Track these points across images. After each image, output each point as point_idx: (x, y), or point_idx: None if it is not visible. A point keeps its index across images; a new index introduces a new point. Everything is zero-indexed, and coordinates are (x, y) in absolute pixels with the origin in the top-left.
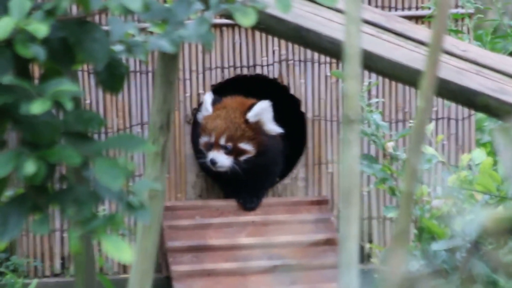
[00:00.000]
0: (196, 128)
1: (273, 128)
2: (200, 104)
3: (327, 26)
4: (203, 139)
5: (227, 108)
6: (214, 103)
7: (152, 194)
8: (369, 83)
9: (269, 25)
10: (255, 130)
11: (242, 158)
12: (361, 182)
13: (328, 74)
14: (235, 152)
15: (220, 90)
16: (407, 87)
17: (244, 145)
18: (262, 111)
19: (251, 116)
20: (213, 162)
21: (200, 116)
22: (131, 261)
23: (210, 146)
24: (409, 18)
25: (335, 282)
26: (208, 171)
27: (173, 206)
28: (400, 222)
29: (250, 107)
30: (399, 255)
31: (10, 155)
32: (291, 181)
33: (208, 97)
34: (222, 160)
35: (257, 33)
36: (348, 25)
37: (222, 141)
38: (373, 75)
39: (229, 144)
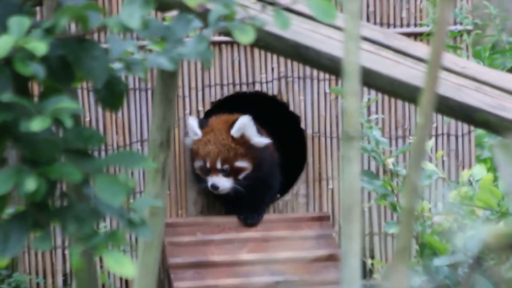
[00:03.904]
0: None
1: (259, 140)
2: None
3: (326, 43)
4: (197, 164)
5: (214, 130)
6: (201, 126)
7: (153, 211)
8: (369, 99)
9: (268, 42)
10: (244, 145)
11: (241, 176)
12: (362, 198)
13: (328, 91)
14: (233, 172)
15: (220, 108)
16: (406, 103)
17: (240, 163)
18: (243, 126)
19: (234, 132)
20: (215, 187)
21: (189, 140)
22: (133, 275)
23: (207, 171)
24: (408, 35)
25: None
26: (209, 192)
27: (174, 223)
28: (401, 238)
29: (232, 124)
30: (401, 271)
31: (11, 172)
32: (292, 198)
33: (193, 121)
34: (223, 183)
35: (256, 50)
36: (347, 42)
37: (219, 165)
38: (372, 91)
39: (226, 166)
